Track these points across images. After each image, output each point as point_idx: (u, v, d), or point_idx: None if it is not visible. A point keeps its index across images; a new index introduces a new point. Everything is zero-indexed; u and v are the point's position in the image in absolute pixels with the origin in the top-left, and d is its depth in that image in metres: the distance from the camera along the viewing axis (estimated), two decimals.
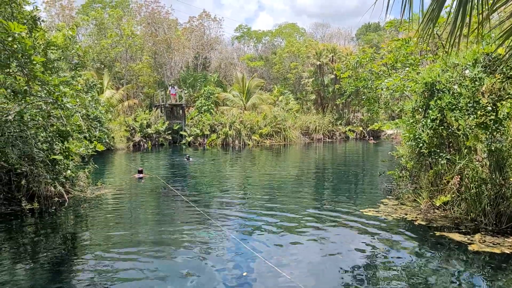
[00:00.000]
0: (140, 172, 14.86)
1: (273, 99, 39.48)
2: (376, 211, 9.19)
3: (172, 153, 26.94)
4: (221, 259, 6.28)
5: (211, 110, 34.53)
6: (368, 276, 5.66)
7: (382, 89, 11.47)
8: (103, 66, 34.96)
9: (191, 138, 32.99)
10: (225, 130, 32.61)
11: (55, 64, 12.01)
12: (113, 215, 9.33)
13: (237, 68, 44.76)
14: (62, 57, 14.25)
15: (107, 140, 13.02)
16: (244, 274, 5.67)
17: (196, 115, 34.27)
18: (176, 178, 15.24)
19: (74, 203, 10.32)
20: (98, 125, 10.24)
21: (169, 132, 32.84)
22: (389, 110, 14.42)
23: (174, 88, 33.87)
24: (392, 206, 9.66)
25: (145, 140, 31.38)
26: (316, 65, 40.90)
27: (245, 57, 48.69)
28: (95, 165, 11.80)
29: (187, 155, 21.92)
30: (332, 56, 40.76)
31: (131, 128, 30.82)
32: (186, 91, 35.56)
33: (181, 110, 34.69)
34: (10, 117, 7.76)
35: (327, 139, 38.53)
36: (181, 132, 33.44)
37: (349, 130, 40.20)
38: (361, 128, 40.26)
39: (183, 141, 32.97)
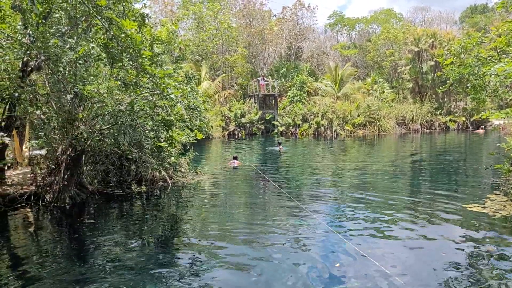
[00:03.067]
0: (235, 158, 15.43)
1: (367, 88, 38.25)
2: (481, 207, 8.50)
3: (264, 142, 27.49)
4: (313, 248, 6.28)
5: (303, 100, 34.51)
6: (470, 275, 5.27)
7: (490, 76, 10.51)
8: (201, 58, 36.67)
9: (283, 127, 33.35)
10: (317, 120, 32.40)
11: (159, 58, 12.91)
12: (210, 200, 9.84)
13: (330, 57, 44.07)
14: (165, 51, 15.26)
15: (206, 129, 13.70)
16: (337, 265, 5.60)
17: (288, 105, 34.52)
18: (268, 167, 15.55)
19: (175, 188, 11.07)
20: (198, 114, 10.81)
21: (262, 121, 33.55)
22: (497, 98, 13.22)
23: (264, 79, 34.38)
24: (500, 203, 8.86)
25: (239, 129, 32.45)
26: (414, 52, 38.61)
27: (338, 45, 47.73)
28: (196, 153, 12.54)
29: (279, 141, 22.24)
30: (432, 42, 38.11)
31: (226, 117, 32.05)
32: (278, 81, 35.93)
33: (273, 100, 35.18)
34: (122, 107, 8.52)
35: (425, 129, 36.33)
36: (273, 122, 33.95)
37: (450, 120, 37.39)
38: (463, 118, 37.28)
39: (275, 131, 33.46)
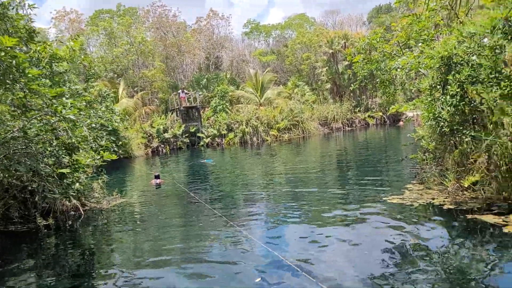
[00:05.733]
0: (157, 177, 14.63)
1: (288, 92, 38.99)
2: (401, 198, 8.71)
3: (190, 156, 26.82)
4: (240, 262, 5.93)
5: (227, 109, 34.28)
6: (397, 267, 5.23)
7: (396, 70, 10.93)
8: (116, 75, 35.13)
9: (208, 139, 32.80)
10: (242, 128, 32.33)
11: (63, 77, 11.89)
12: (130, 225, 9.12)
13: (250, 65, 44.43)
14: (70, 69, 14.15)
15: (115, 148, 12.80)
16: (258, 280, 5.26)
17: (212, 116, 34.09)
18: (196, 181, 15.02)
19: (90, 216, 10.17)
20: (104, 134, 10.00)
21: (187, 135, 32.66)
22: (407, 91, 13.87)
23: (184, 91, 33.59)
24: (417, 192, 9.15)
25: (163, 145, 31.37)
26: (329, 54, 40.21)
27: (256, 52, 48.30)
28: (105, 175, 11.56)
29: (205, 160, 21.74)
30: (345, 43, 39.93)
31: (148, 134, 30.87)
32: (200, 93, 35.40)
33: (196, 112, 34.52)
34: (15, 134, 7.61)
35: (346, 127, 37.80)
36: (198, 134, 33.25)
37: (369, 116, 39.30)
38: (380, 113, 39.35)
39: (201, 143, 32.77)
